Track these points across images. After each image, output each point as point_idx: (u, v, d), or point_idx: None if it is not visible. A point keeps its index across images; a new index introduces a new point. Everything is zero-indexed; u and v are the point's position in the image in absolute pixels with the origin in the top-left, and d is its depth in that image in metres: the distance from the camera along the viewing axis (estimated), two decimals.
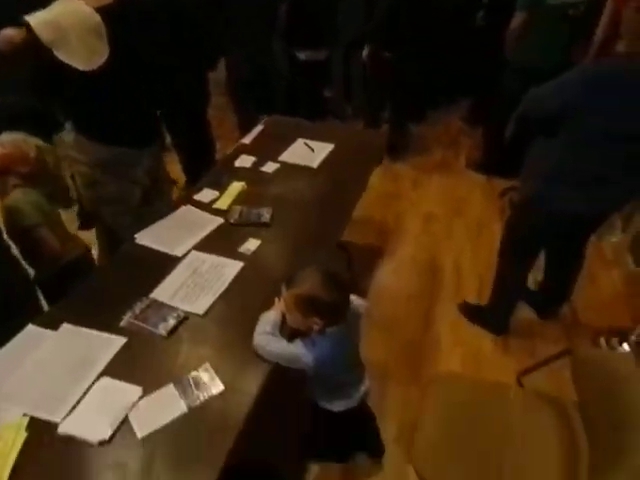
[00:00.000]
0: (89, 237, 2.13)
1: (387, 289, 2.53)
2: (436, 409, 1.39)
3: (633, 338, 1.99)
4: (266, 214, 1.77)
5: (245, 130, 2.53)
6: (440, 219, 3.08)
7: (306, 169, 2.09)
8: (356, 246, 2.79)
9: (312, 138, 2.33)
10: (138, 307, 1.36)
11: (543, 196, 1.74)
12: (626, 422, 1.03)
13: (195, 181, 2.05)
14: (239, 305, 1.40)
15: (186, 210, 1.82)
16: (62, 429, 1.05)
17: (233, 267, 1.54)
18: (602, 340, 2.09)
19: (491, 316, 2.22)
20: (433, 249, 2.80)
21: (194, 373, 1.19)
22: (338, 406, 1.38)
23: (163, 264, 1.54)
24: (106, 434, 1.04)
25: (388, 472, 1.70)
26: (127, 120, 1.74)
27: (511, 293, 2.14)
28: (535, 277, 2.21)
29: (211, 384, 1.17)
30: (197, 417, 1.09)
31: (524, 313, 2.27)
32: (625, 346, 2.01)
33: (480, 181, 3.48)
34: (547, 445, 1.28)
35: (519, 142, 1.99)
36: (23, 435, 1.03)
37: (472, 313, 2.31)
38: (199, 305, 1.38)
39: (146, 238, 1.66)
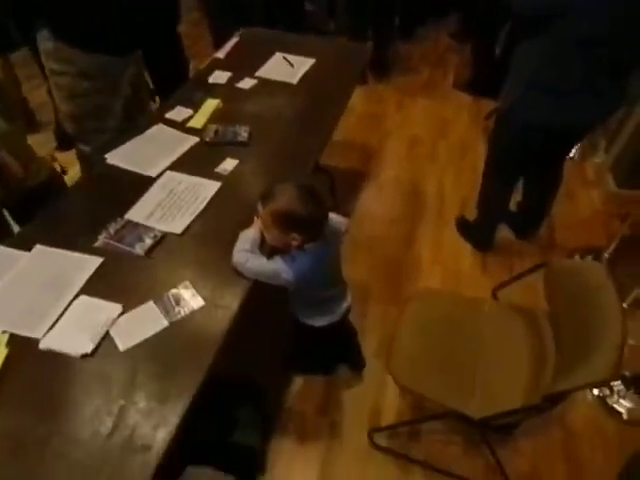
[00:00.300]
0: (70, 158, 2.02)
1: (370, 211, 2.52)
2: (414, 322, 1.44)
3: (606, 255, 2.05)
4: (243, 133, 1.69)
5: (220, 47, 2.35)
6: (424, 141, 3.01)
7: (285, 85, 1.97)
8: (339, 169, 2.74)
9: (291, 52, 2.19)
10: (113, 228, 1.33)
11: (521, 105, 1.70)
12: (590, 329, 1.08)
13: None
14: (217, 225, 1.37)
15: (158, 129, 1.73)
16: (43, 344, 1.06)
17: (210, 187, 1.49)
18: (577, 257, 2.15)
19: (476, 233, 2.26)
20: (417, 171, 2.77)
21: (174, 290, 1.19)
22: (320, 321, 1.41)
23: (136, 185, 1.48)
24: (88, 348, 1.05)
25: (368, 382, 1.79)
26: (110, 24, 1.58)
27: (494, 214, 2.16)
28: (515, 198, 2.21)
29: (191, 300, 1.17)
30: (178, 331, 1.11)
31: (503, 233, 2.30)
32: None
33: (466, 102, 3.37)
34: (518, 352, 1.34)
35: (509, 58, 1.89)
36: (4, 351, 1.03)
37: (463, 227, 2.35)
38: (176, 225, 1.36)
39: (117, 158, 1.58)
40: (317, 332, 1.42)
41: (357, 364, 1.82)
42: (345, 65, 2.17)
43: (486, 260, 2.22)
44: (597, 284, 1.12)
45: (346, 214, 2.49)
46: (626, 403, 1.67)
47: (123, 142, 1.65)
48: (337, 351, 1.78)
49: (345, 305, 1.47)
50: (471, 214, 2.31)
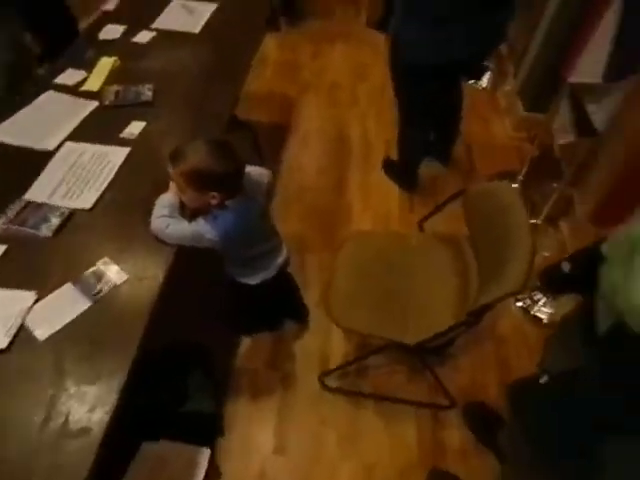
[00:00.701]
0: None
1: (297, 163, 2.49)
2: (347, 264, 1.47)
3: (520, 178, 2.18)
4: (147, 91, 1.57)
5: None
6: (344, 87, 2.97)
7: (187, 35, 1.83)
8: (261, 123, 2.66)
9: None
10: (11, 211, 1.21)
11: (401, 41, 1.68)
12: (504, 246, 1.14)
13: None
14: (131, 193, 1.29)
15: (49, 97, 1.56)
16: None
17: (118, 154, 1.39)
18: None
19: (400, 174, 2.30)
20: (339, 118, 2.74)
21: (93, 269, 1.12)
22: (255, 279, 1.40)
23: (33, 161, 1.35)
24: (2, 343, 0.97)
25: (314, 331, 1.84)
26: None
27: (413, 152, 2.18)
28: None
29: (113, 276, 1.11)
30: (103, 309, 1.05)
31: (427, 170, 2.36)
32: (515, 186, 2.20)
33: (383, 42, 3.32)
34: (445, 277, 1.42)
35: None
36: None
37: (389, 168, 2.38)
38: (85, 200, 1.25)
39: (4, 133, 1.42)
40: (253, 290, 1.40)
41: (301, 316, 1.85)
42: (251, 8, 2.04)
43: (413, 198, 2.29)
44: (508, 203, 1.19)
45: (273, 168, 2.46)
46: (546, 309, 1.84)
47: (10, 115, 1.48)
48: (280, 306, 1.78)
49: (280, 259, 1.45)
50: (396, 155, 2.34)
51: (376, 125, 2.67)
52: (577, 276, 0.86)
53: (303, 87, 2.96)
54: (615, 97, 1.38)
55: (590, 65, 1.30)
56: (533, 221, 2.03)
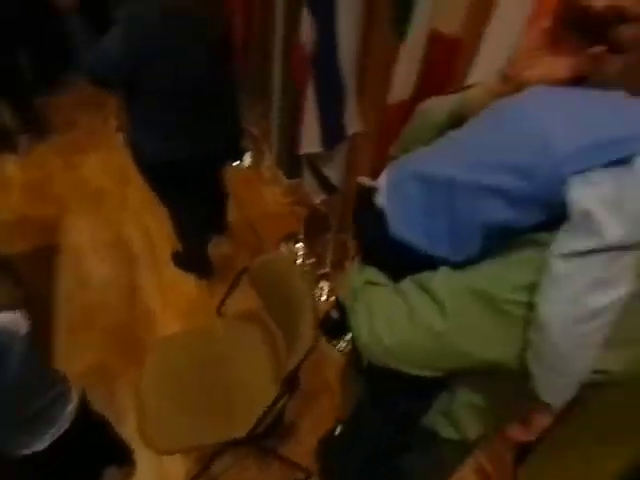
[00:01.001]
0: None
1: (77, 283, 2.23)
2: (154, 378, 1.34)
3: (301, 236, 2.40)
4: None
5: None
6: (110, 192, 2.83)
7: None
8: (21, 254, 2.31)
9: None
10: None
11: (136, 144, 1.69)
12: (292, 309, 1.22)
13: None
14: None
15: None
16: None
17: None
18: (283, 247, 2.44)
19: (190, 262, 2.26)
20: (114, 224, 2.59)
21: None
22: (40, 443, 1.14)
23: None
24: None
25: (143, 466, 1.60)
26: None
27: (192, 237, 2.16)
28: None
29: None
30: None
31: (218, 251, 2.39)
32: (299, 245, 2.41)
33: None
34: (257, 355, 1.42)
35: None
36: None
37: (178, 260, 2.31)
38: None
39: None
40: (41, 456, 1.14)
41: (123, 457, 1.58)
42: None
43: (212, 283, 2.26)
44: (286, 270, 1.28)
45: (47, 299, 2.14)
46: None
47: None
48: (91, 458, 1.49)
49: (71, 406, 1.22)
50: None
51: (154, 222, 2.60)
52: (344, 321, 0.96)
53: (62, 202, 2.71)
54: (339, 159, 1.67)
55: (310, 138, 1.55)
56: (323, 271, 2.24)
